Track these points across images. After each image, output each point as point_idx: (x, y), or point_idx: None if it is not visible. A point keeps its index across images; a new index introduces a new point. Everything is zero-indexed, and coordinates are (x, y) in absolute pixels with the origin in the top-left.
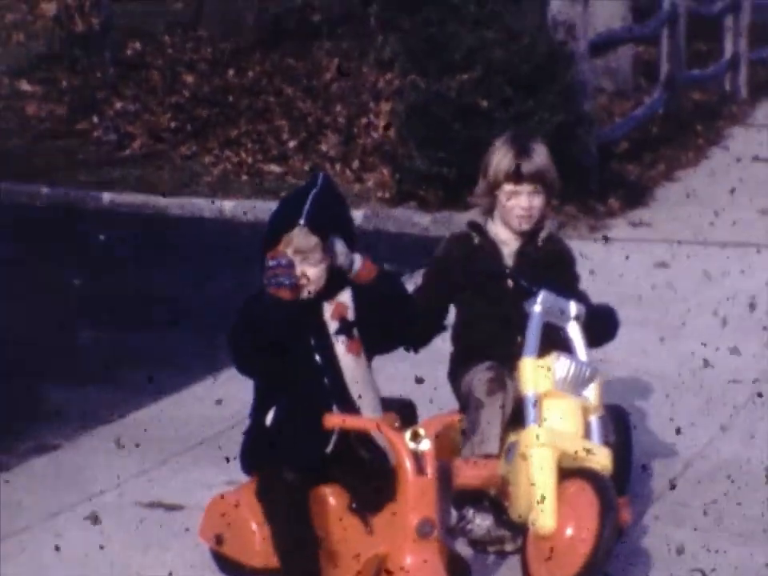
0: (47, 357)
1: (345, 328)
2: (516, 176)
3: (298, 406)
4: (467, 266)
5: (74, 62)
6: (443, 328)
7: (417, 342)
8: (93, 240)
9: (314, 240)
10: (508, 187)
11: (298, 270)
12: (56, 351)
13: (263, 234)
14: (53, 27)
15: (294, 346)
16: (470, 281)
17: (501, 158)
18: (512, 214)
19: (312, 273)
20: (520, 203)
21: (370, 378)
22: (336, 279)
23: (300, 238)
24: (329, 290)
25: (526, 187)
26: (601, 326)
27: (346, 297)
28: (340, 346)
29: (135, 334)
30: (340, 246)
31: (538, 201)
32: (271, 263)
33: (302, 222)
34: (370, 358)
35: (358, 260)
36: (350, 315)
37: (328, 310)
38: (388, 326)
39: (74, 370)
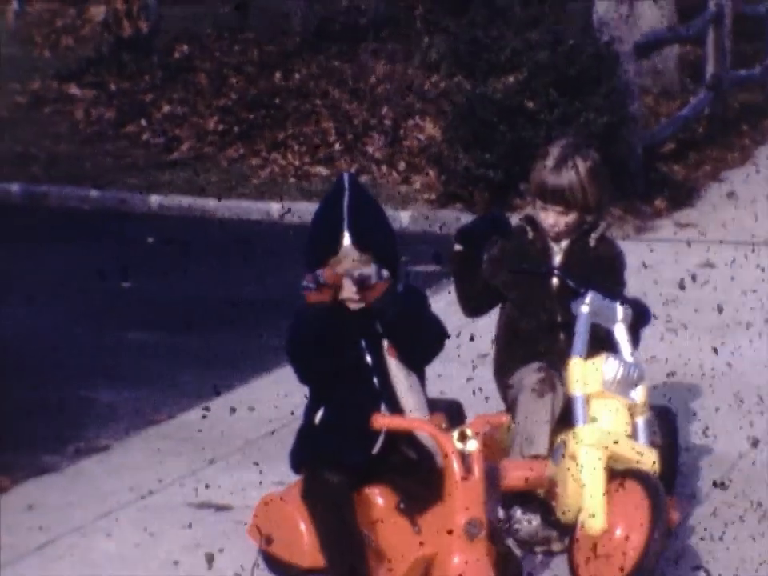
0: (96, 359)
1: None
2: (542, 195)
3: (347, 405)
4: (515, 262)
5: (122, 65)
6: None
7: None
8: (141, 243)
9: (361, 257)
10: (538, 202)
11: (354, 289)
12: (105, 353)
13: (307, 250)
14: (101, 31)
15: (346, 346)
16: (518, 278)
17: (538, 169)
18: (544, 225)
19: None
20: (547, 219)
21: (415, 380)
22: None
23: (351, 256)
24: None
25: (551, 207)
26: (638, 324)
27: None
28: (384, 348)
29: (184, 335)
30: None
31: (566, 219)
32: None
33: (347, 243)
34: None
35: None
36: None
37: None
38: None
39: (124, 372)
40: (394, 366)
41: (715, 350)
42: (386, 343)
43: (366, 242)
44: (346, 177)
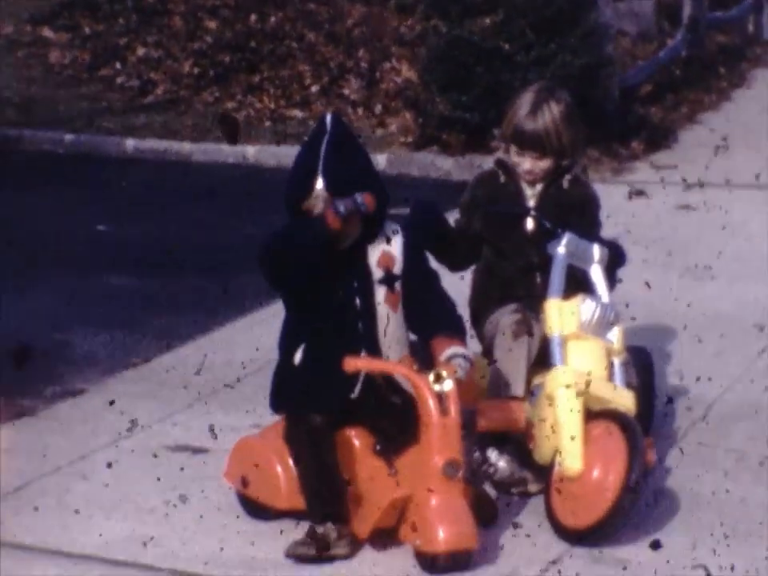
0: (71, 303)
1: (387, 279)
2: (519, 141)
3: (327, 346)
4: (489, 206)
5: (96, 8)
6: (478, 257)
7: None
8: (116, 186)
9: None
10: (513, 148)
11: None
12: (80, 297)
13: (285, 194)
14: None
15: (335, 283)
16: (493, 221)
17: (511, 116)
18: (518, 170)
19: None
20: (523, 165)
21: (403, 334)
22: (375, 223)
23: (323, 199)
24: (368, 235)
25: (528, 152)
26: (614, 264)
27: (395, 248)
28: (380, 295)
29: (159, 279)
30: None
31: (542, 164)
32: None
33: (320, 187)
34: (408, 315)
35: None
36: (396, 268)
37: (374, 255)
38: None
39: (99, 316)
40: (387, 315)
41: (693, 292)
42: (383, 291)
43: (340, 188)
44: (328, 118)
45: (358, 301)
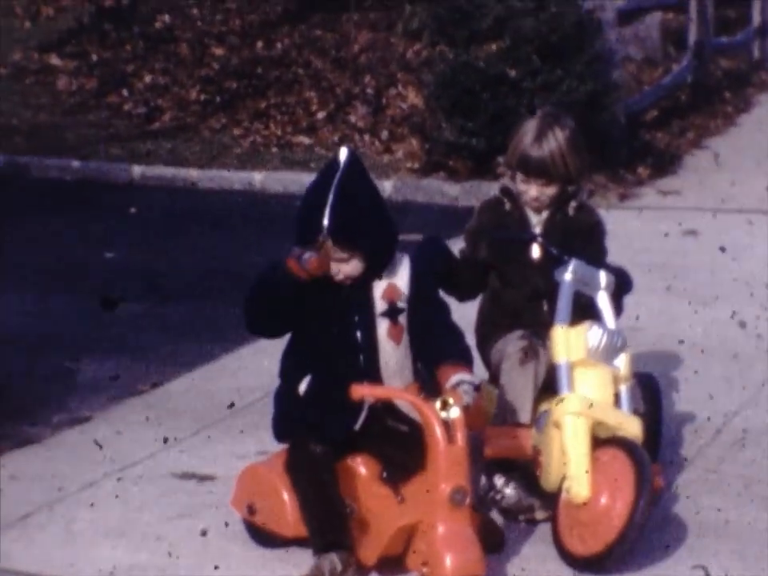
0: (79, 329)
1: (391, 312)
2: (525, 168)
3: (331, 378)
4: (495, 233)
5: (103, 35)
6: (485, 286)
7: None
8: (123, 213)
9: (342, 254)
10: (520, 175)
11: (334, 267)
12: (87, 323)
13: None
14: (82, 1)
15: (335, 318)
16: (499, 248)
17: (516, 143)
18: (524, 198)
19: (347, 270)
20: (529, 192)
21: (407, 365)
22: (380, 264)
23: (327, 250)
24: (373, 270)
25: (534, 179)
26: (621, 291)
27: (401, 279)
28: (382, 328)
29: (166, 305)
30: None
31: (548, 191)
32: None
33: (325, 234)
34: (415, 345)
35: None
36: (401, 300)
37: (379, 288)
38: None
39: (106, 342)
40: (390, 348)
41: (699, 317)
42: (386, 324)
43: (346, 239)
44: (343, 155)
45: (358, 335)
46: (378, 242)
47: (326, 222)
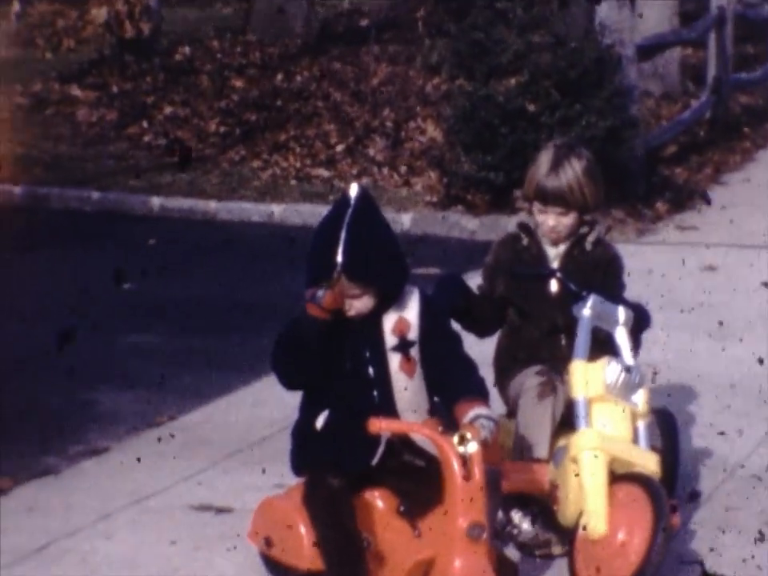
0: (97, 361)
1: (402, 346)
2: (542, 197)
3: (348, 414)
4: (513, 268)
5: (124, 67)
6: (503, 322)
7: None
8: (143, 245)
9: (356, 290)
10: (537, 205)
11: (346, 303)
12: (106, 355)
13: (306, 269)
14: (103, 33)
15: (346, 354)
16: (517, 283)
17: (533, 173)
18: (542, 229)
19: (358, 305)
20: (547, 222)
21: (422, 399)
22: (390, 299)
23: (341, 287)
24: (382, 308)
25: (551, 208)
26: (639, 327)
27: (411, 313)
28: (394, 362)
29: (185, 337)
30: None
31: (566, 220)
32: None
33: (338, 271)
34: (429, 379)
35: None
36: (412, 334)
37: (389, 322)
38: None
39: (124, 374)
40: (403, 382)
41: (719, 354)
42: (398, 358)
43: (360, 275)
44: (353, 193)
45: (371, 370)
46: (391, 277)
47: (339, 258)
